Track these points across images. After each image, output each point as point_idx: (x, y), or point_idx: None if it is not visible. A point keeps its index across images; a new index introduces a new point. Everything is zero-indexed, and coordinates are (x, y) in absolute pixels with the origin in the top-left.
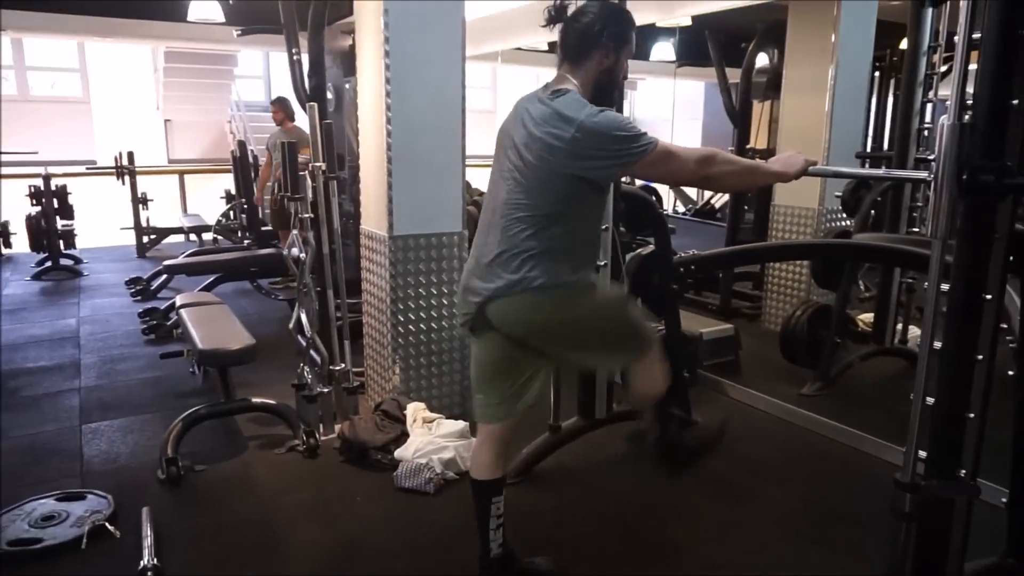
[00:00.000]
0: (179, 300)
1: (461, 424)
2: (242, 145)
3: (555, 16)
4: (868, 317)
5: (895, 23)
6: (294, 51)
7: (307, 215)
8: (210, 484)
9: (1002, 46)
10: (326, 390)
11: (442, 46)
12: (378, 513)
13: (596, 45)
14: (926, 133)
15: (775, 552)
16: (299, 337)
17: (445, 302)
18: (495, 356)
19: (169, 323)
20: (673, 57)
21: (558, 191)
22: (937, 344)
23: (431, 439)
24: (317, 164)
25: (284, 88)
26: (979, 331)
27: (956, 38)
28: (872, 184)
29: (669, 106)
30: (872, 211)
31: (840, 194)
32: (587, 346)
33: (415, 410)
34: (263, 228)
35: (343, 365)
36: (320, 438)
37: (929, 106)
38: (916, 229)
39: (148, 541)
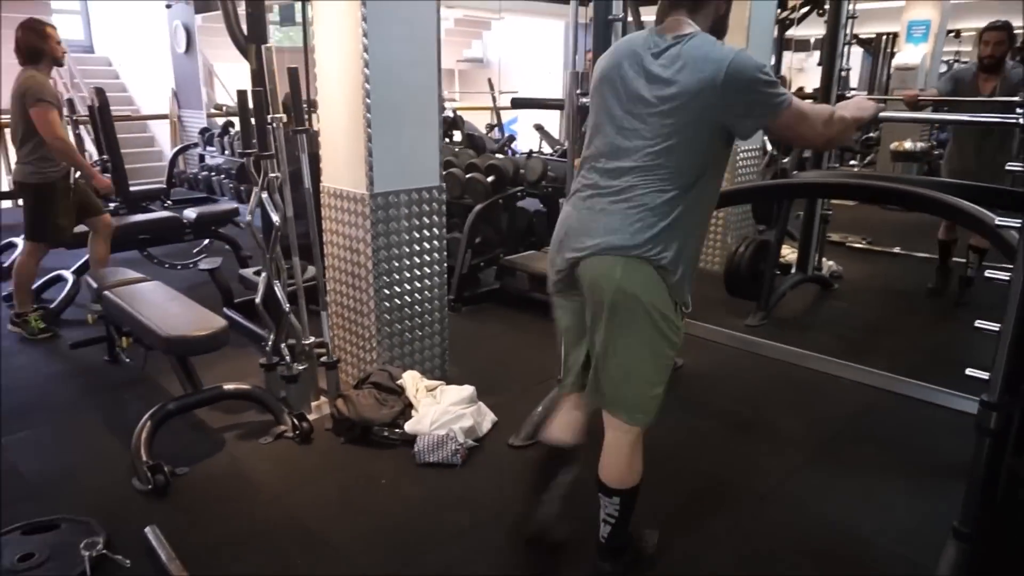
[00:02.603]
0: (94, 281)
1: (468, 389)
2: (102, 95)
3: None
4: (786, 250)
5: None
6: None
7: (275, 175)
8: (205, 488)
9: None
10: (302, 367)
11: None
12: (415, 494)
13: None
14: (843, 74)
15: (807, 475)
16: (266, 312)
17: (427, 259)
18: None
19: (53, 305)
20: None
21: (692, 147)
22: None
23: (444, 408)
24: (278, 116)
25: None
26: None
27: None
28: None
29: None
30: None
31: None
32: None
33: (413, 379)
34: (132, 189)
35: (312, 339)
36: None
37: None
38: (836, 164)
39: (174, 565)
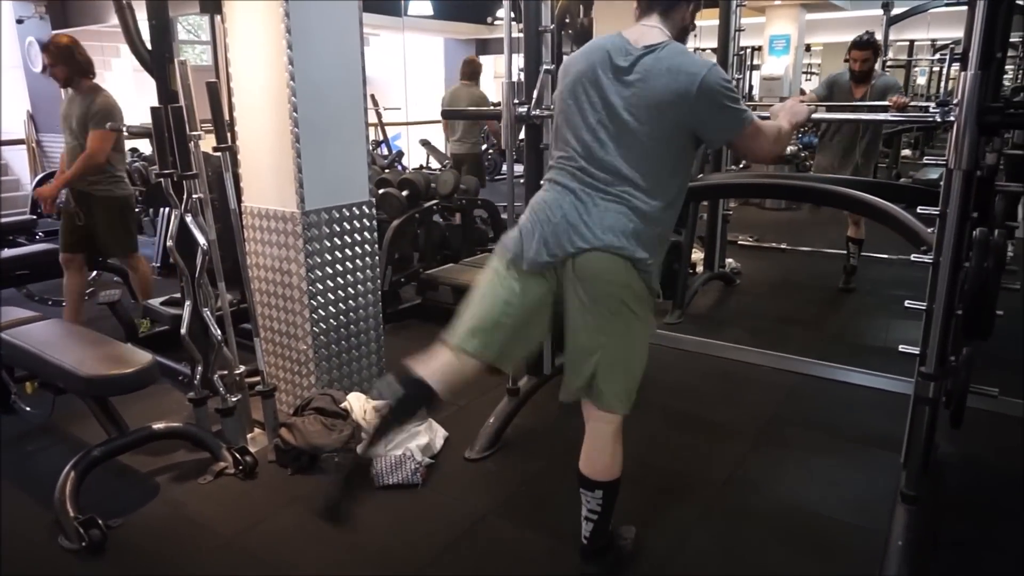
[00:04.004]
0: None
1: None
2: None
3: None
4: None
5: None
6: None
7: (198, 195)
8: (147, 538)
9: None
10: (236, 398)
11: (341, 7)
12: (379, 518)
13: (683, 1)
14: (734, 83)
15: (757, 460)
16: (191, 343)
17: (360, 276)
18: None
19: None
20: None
21: (668, 153)
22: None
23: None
24: (196, 134)
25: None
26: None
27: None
28: None
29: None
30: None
31: None
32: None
33: (359, 401)
34: (6, 220)
35: (243, 368)
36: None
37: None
38: (733, 166)
39: None
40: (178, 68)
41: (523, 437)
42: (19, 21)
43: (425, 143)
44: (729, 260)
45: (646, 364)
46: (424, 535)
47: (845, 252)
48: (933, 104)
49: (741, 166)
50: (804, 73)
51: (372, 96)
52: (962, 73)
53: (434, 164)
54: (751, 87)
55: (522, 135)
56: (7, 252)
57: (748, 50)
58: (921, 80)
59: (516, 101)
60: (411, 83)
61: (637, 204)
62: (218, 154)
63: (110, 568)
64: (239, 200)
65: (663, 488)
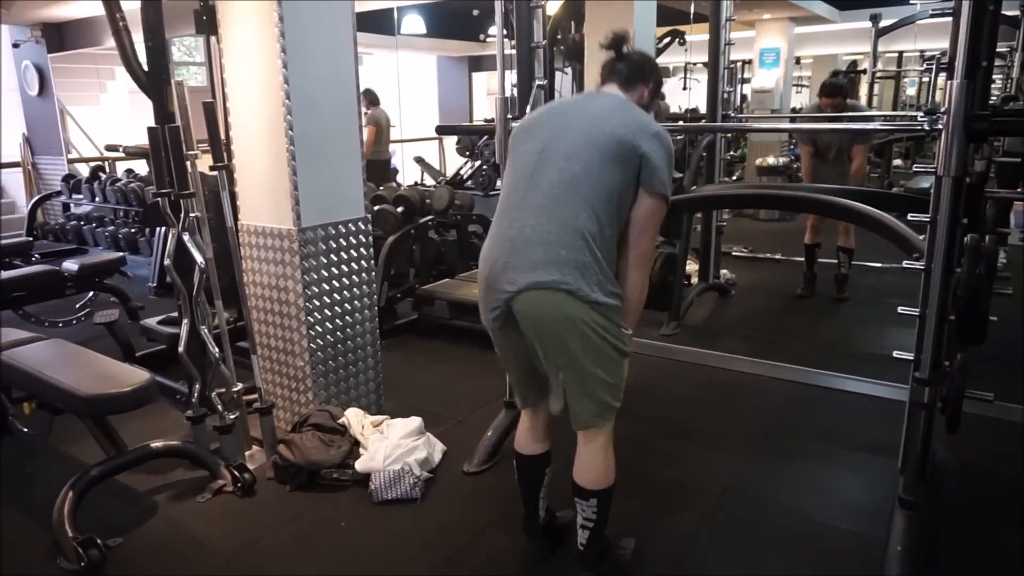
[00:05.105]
0: None
1: (416, 421)
2: None
3: (614, 43)
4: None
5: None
6: (119, 16)
7: (196, 214)
8: (146, 557)
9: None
10: (234, 415)
11: (334, 26)
12: (378, 533)
13: (643, 81)
14: (725, 96)
15: (752, 469)
16: (189, 361)
17: (357, 291)
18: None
19: None
20: (424, 30)
21: (616, 193)
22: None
23: (396, 442)
24: (192, 153)
25: None
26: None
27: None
28: (696, 142)
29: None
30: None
31: None
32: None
33: (357, 416)
34: (3, 242)
35: (241, 385)
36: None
37: (727, 72)
38: (728, 178)
39: None
40: (175, 89)
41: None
42: (15, 45)
43: (419, 160)
44: (724, 271)
45: (624, 376)
46: (423, 549)
47: (836, 262)
48: (921, 114)
49: (735, 177)
50: (795, 86)
51: (367, 114)
52: (949, 82)
53: (428, 180)
54: (743, 98)
55: None
56: (5, 274)
57: (739, 63)
58: (911, 91)
59: (510, 116)
60: (405, 101)
61: (576, 238)
62: (214, 173)
63: None
64: (235, 218)
65: (662, 498)
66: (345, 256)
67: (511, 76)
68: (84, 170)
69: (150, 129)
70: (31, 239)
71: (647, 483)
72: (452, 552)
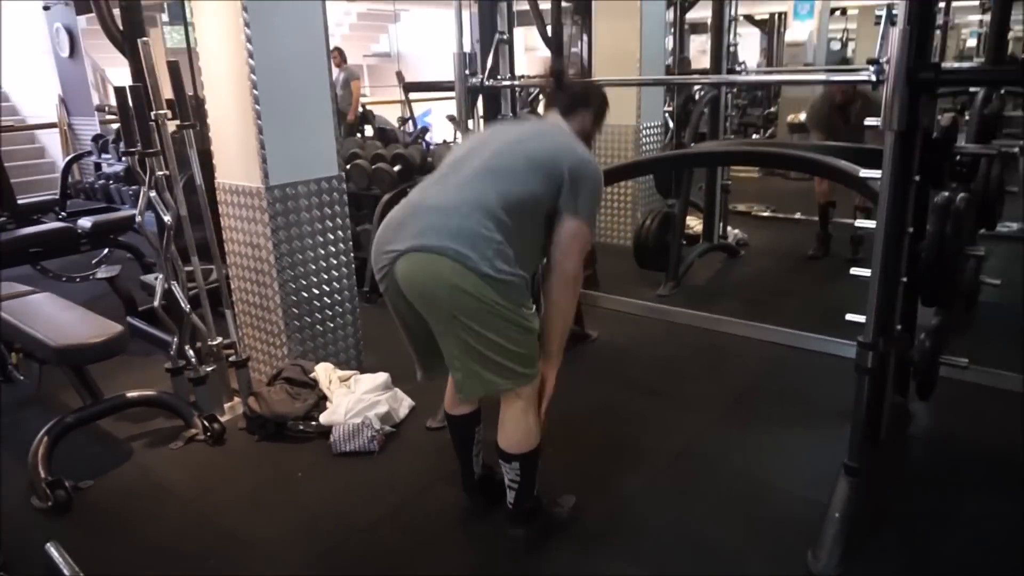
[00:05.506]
0: None
1: (382, 376)
2: None
3: (552, 75)
4: (692, 220)
5: None
6: None
7: (163, 172)
8: (110, 500)
9: None
10: (210, 368)
11: None
12: (332, 484)
13: (584, 107)
14: (731, 49)
15: (718, 433)
16: (165, 315)
17: (333, 249)
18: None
19: None
20: None
21: (531, 202)
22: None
23: (359, 396)
24: (161, 113)
25: None
26: (907, 210)
27: None
28: (698, 100)
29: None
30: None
31: (670, 109)
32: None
33: (326, 371)
34: (20, 201)
35: (220, 339)
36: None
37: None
38: (731, 135)
39: None
40: (141, 47)
41: (486, 408)
42: (46, 8)
43: (452, 118)
44: (736, 231)
45: (534, 348)
46: (371, 500)
47: (851, 221)
48: (872, 67)
49: (768, 134)
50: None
51: (399, 73)
52: (892, 29)
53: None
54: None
55: None
56: (22, 231)
57: (777, 15)
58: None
59: (467, 71)
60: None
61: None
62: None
63: (74, 525)
64: (211, 177)
65: (615, 457)
66: (319, 214)
67: (471, 31)
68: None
69: (117, 89)
70: (56, 197)
71: (605, 441)
72: (398, 503)
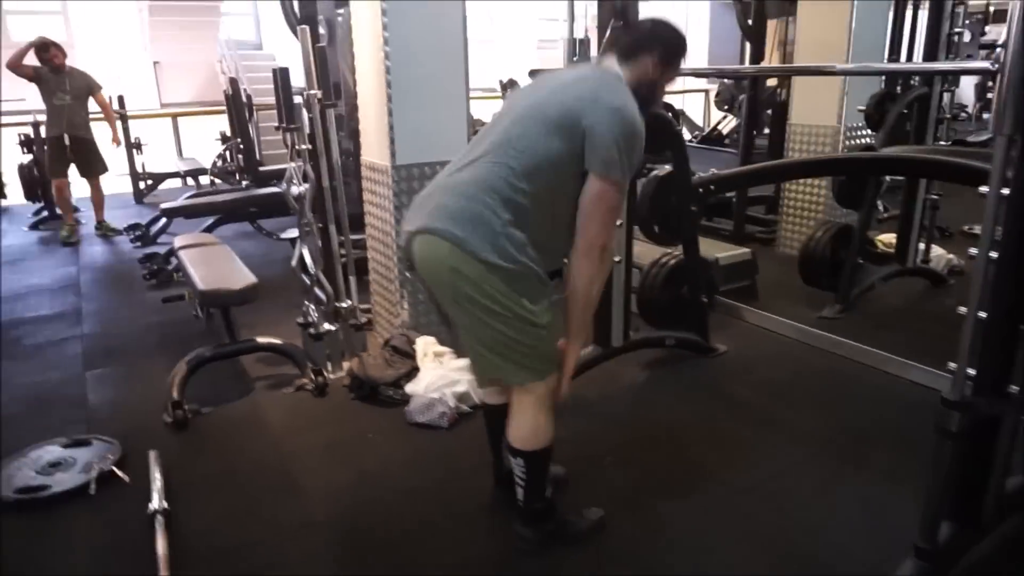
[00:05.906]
0: (178, 242)
1: None
2: (234, 83)
3: (620, 10)
4: (887, 238)
5: None
6: None
7: (304, 146)
8: (218, 426)
9: None
10: (333, 328)
11: None
12: (393, 450)
13: (647, 52)
14: (956, 39)
15: (802, 474)
16: (303, 275)
17: None
18: None
19: (170, 267)
20: None
21: (552, 164)
22: (994, 254)
23: (443, 373)
24: (312, 92)
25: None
26: None
27: None
28: (897, 96)
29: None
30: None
31: (863, 108)
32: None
33: (425, 344)
34: (261, 168)
35: (348, 302)
36: (329, 376)
37: (960, 9)
38: (943, 141)
39: (157, 484)
40: (300, 34)
41: (573, 404)
42: None
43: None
44: (949, 256)
45: (550, 347)
46: (421, 471)
47: None
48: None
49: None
50: None
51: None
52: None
53: (685, 135)
54: None
55: None
56: (244, 193)
57: None
58: None
59: (576, 58)
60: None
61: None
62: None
63: (180, 441)
64: (354, 159)
65: (674, 480)
66: None
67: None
68: None
69: (274, 70)
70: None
71: (668, 461)
72: (442, 478)
